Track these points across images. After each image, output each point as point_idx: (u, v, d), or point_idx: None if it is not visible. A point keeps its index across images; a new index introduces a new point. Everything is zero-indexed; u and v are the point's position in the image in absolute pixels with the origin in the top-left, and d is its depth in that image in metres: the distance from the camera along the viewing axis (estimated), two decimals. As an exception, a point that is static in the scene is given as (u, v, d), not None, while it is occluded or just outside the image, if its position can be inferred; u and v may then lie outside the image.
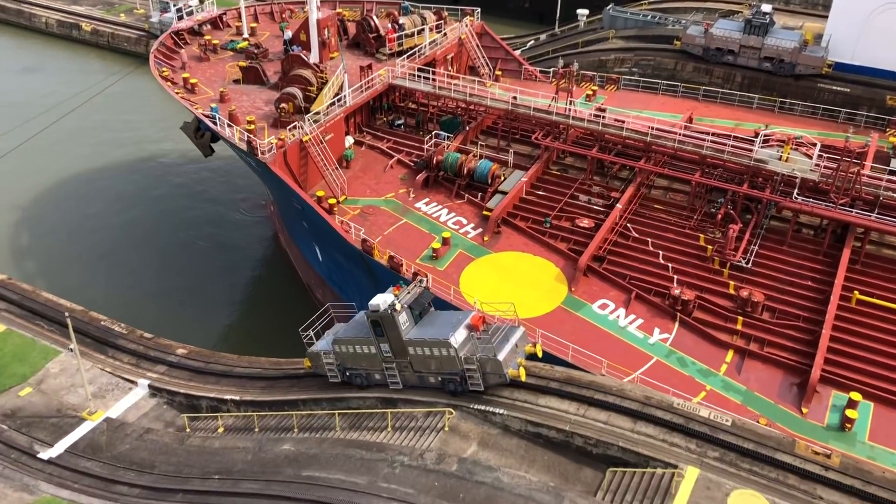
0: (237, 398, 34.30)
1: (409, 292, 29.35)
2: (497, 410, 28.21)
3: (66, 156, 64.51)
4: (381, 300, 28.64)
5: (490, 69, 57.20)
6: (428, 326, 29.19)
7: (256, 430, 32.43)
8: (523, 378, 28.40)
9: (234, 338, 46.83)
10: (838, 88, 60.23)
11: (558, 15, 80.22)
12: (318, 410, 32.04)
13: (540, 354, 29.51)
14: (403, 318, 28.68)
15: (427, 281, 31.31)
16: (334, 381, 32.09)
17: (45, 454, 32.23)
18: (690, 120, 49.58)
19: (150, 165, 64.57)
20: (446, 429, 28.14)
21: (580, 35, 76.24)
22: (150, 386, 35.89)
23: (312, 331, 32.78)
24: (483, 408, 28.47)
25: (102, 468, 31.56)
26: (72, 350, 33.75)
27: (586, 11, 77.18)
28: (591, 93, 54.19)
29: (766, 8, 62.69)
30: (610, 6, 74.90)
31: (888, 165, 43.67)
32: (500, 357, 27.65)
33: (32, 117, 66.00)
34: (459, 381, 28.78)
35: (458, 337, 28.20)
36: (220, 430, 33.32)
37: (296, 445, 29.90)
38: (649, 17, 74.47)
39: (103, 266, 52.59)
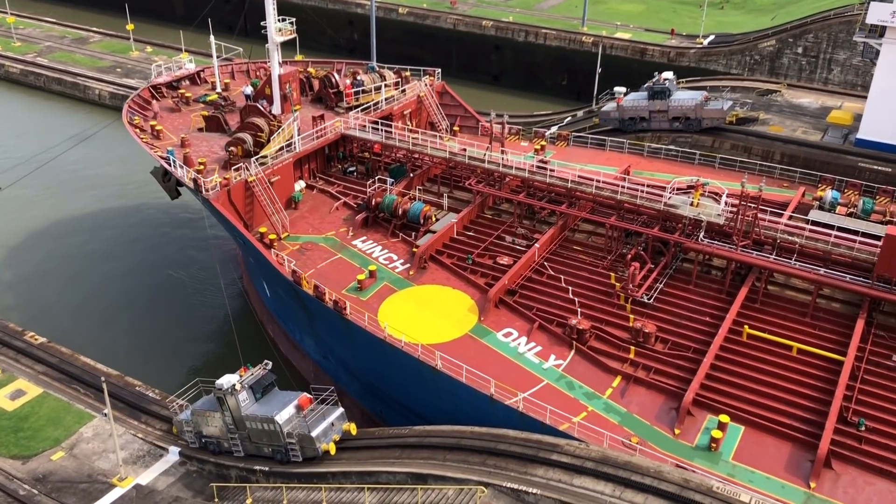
0: (266, 468, 34.06)
1: (252, 374, 33.79)
2: (530, 490, 27.88)
3: (68, 206, 68.63)
4: (226, 380, 33.00)
5: (448, 125, 60.85)
6: (265, 404, 33.45)
7: (285, 502, 31.89)
8: (333, 452, 32.40)
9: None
10: (878, 168, 59.74)
11: (595, 92, 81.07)
12: (347, 484, 31.88)
13: (354, 432, 33.58)
14: (244, 397, 33.03)
15: (269, 364, 34.89)
16: (193, 447, 35.83)
17: None
18: (627, 172, 52.27)
19: (140, 212, 68.51)
20: None
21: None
22: (180, 453, 35.98)
23: (178, 402, 36.94)
24: (515, 486, 28.24)
25: (129, 537, 31.38)
26: (106, 415, 34.21)
27: (624, 89, 76.41)
28: (539, 147, 57.45)
29: (667, 75, 66.84)
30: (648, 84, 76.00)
31: (806, 215, 46.05)
32: (313, 434, 32.16)
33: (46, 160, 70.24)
34: (284, 452, 32.88)
35: (284, 415, 32.53)
36: (249, 501, 32.87)
37: (323, 520, 29.51)
38: None
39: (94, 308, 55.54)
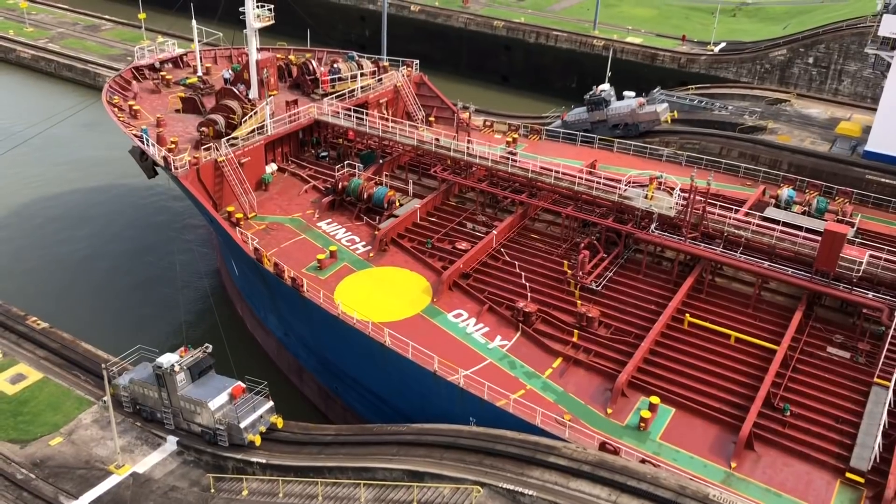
0: (263, 461, 34.06)
1: (192, 356, 34.89)
2: (526, 491, 28.08)
3: (62, 187, 69.41)
4: (166, 360, 34.21)
5: (424, 115, 62.04)
6: (201, 387, 34.75)
7: (281, 495, 31.80)
8: (258, 443, 33.88)
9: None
10: (886, 181, 59.36)
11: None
12: (343, 479, 32.02)
13: (280, 425, 35.02)
14: (181, 377, 34.27)
15: (210, 348, 35.69)
16: (128, 410, 36.78)
17: None
18: (593, 166, 53.47)
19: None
20: None
21: (626, 116, 77.60)
22: (178, 443, 35.83)
23: (117, 367, 37.64)
24: (511, 487, 28.40)
25: (124, 524, 31.10)
26: (105, 402, 34.51)
27: (633, 94, 75.64)
28: (511, 140, 58.67)
29: (604, 86, 68.27)
30: (657, 89, 76.42)
31: (762, 212, 47.17)
32: (242, 425, 33.65)
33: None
34: (212, 435, 34.38)
35: (217, 402, 33.95)
36: (245, 492, 32.82)
37: (318, 515, 29.61)
38: (696, 102, 75.62)
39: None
